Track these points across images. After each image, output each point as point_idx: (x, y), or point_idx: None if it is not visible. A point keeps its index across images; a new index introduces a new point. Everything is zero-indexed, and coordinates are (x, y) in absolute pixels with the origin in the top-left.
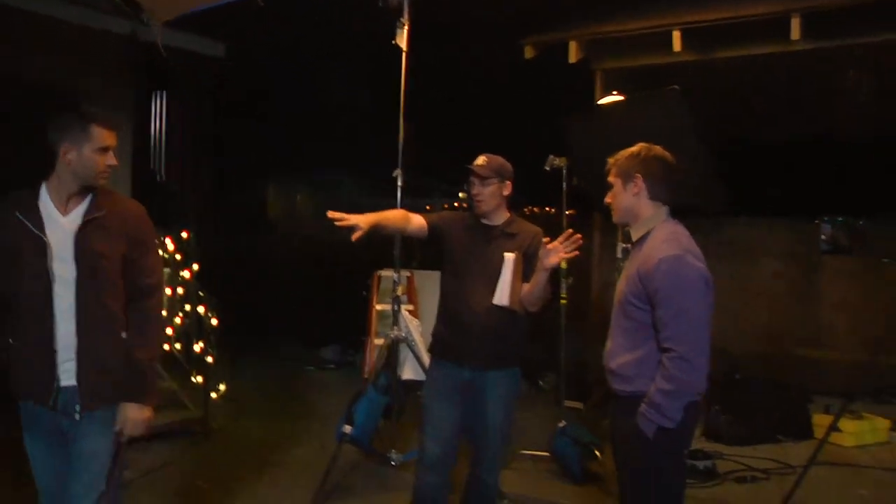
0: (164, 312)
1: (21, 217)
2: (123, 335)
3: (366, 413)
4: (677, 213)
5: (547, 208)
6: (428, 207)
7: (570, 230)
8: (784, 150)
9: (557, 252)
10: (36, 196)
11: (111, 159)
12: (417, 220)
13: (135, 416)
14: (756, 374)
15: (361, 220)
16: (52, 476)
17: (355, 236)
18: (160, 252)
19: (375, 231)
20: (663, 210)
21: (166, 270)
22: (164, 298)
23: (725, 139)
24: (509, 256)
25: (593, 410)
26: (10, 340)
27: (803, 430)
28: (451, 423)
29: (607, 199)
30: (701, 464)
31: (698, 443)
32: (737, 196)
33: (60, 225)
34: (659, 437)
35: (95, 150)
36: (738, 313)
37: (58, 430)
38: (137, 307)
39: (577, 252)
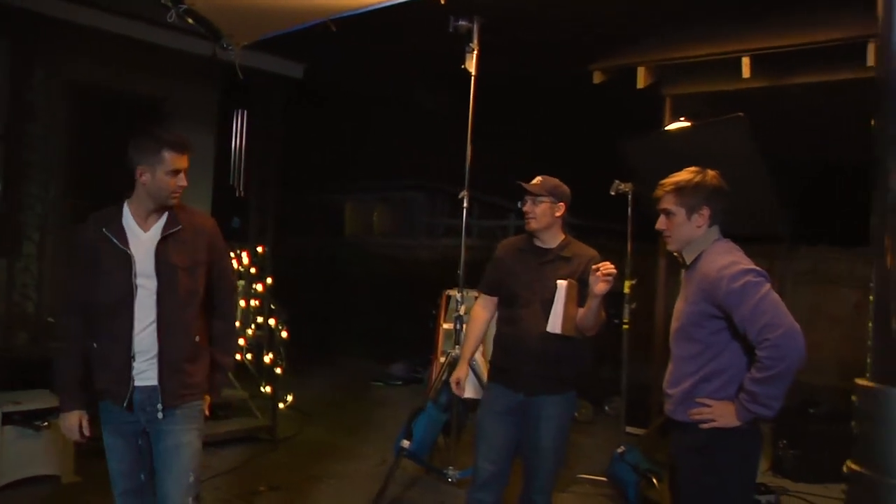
0: (237, 322)
1: (107, 233)
2: (197, 338)
3: (424, 429)
4: (743, 239)
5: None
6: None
7: (607, 263)
8: (862, 178)
9: (602, 280)
10: (120, 213)
11: (182, 181)
12: (485, 307)
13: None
14: (830, 407)
15: (460, 374)
16: (127, 471)
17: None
18: (235, 265)
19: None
20: (715, 229)
21: (241, 283)
22: (238, 306)
23: (799, 165)
24: (562, 284)
25: (653, 437)
26: (94, 345)
27: None
28: (505, 443)
29: (661, 227)
30: (764, 498)
31: (763, 477)
32: (811, 223)
33: (142, 240)
34: (725, 466)
35: (167, 172)
36: (814, 343)
37: (135, 428)
38: (220, 313)
39: (610, 280)
